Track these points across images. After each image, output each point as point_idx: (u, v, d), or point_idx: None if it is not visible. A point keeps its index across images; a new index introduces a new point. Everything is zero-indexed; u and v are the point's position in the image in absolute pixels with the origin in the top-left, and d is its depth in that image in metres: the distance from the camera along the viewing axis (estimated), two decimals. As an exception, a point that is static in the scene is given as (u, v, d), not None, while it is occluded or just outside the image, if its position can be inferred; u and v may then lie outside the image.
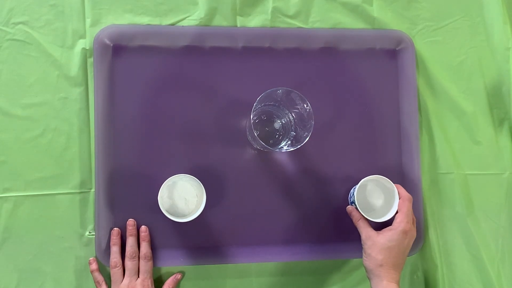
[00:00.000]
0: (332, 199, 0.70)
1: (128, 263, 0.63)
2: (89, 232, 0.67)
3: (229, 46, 0.70)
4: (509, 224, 0.74)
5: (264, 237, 0.69)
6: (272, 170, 0.70)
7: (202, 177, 0.62)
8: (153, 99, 0.68)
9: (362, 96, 0.72)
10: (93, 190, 0.67)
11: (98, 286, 0.64)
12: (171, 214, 0.61)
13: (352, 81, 0.72)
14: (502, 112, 0.75)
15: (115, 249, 0.64)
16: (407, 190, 0.64)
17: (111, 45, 0.68)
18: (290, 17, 0.72)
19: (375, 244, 0.60)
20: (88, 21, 0.69)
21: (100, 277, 0.64)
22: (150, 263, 0.64)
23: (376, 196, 0.67)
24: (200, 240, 0.67)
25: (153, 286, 0.64)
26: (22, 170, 0.66)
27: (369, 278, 0.61)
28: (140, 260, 0.64)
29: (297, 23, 0.72)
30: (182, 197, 0.64)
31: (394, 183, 0.64)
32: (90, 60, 0.68)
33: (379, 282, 0.59)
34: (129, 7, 0.70)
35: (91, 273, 0.65)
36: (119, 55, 0.68)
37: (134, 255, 0.63)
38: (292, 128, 0.68)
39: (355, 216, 0.64)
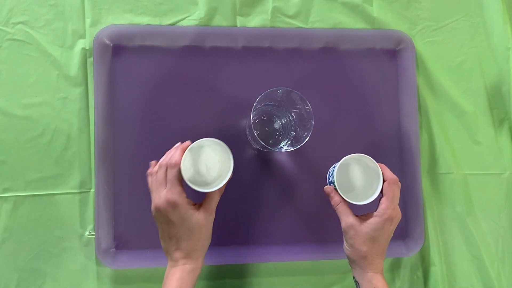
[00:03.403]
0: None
1: (156, 174, 0.56)
2: (89, 232, 0.67)
3: (229, 46, 0.70)
4: (509, 224, 0.74)
5: (264, 237, 0.69)
6: (272, 170, 0.70)
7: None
8: (153, 99, 0.68)
9: (362, 96, 0.72)
10: (93, 190, 0.67)
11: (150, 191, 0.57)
12: (192, 183, 0.54)
13: (352, 81, 0.72)
14: (502, 112, 0.75)
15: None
16: (407, 190, 0.64)
17: (111, 45, 0.68)
18: (290, 17, 0.72)
19: (358, 235, 0.55)
20: (88, 21, 0.69)
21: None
22: (174, 170, 0.53)
23: (357, 176, 0.61)
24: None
25: (182, 194, 0.54)
26: (22, 170, 0.66)
27: (351, 266, 0.59)
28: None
29: (297, 23, 0.72)
30: (203, 164, 0.57)
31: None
32: (90, 60, 0.68)
33: (363, 274, 0.56)
34: (129, 7, 0.70)
35: (147, 176, 0.59)
36: (119, 55, 0.68)
37: (162, 164, 0.55)
38: (292, 128, 0.68)
39: (334, 199, 0.59)
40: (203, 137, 0.55)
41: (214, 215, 0.56)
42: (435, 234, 0.72)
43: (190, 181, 0.54)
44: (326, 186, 0.61)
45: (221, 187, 0.55)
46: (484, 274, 0.71)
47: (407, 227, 0.72)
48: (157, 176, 0.55)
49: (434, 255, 0.71)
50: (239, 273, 0.69)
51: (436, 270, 0.71)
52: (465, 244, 0.72)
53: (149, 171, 0.59)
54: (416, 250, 0.71)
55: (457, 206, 0.72)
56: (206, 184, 0.56)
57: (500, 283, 0.71)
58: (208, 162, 0.57)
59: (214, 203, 0.56)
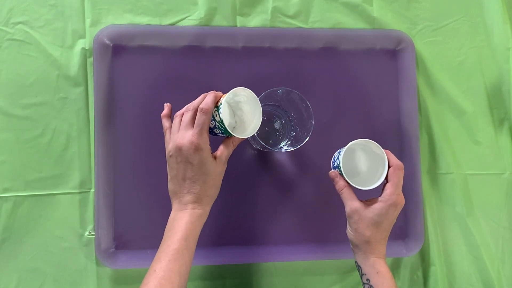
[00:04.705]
0: (332, 199, 0.70)
1: (183, 116, 0.56)
2: (89, 232, 0.67)
3: (229, 46, 0.70)
4: (509, 224, 0.74)
5: (264, 237, 0.69)
6: (272, 170, 0.70)
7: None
8: (153, 99, 0.68)
9: (362, 96, 0.72)
10: (92, 190, 0.67)
11: (164, 132, 0.59)
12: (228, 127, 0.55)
13: (352, 81, 0.72)
14: (502, 112, 0.75)
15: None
16: (407, 190, 0.64)
17: (111, 45, 0.68)
18: (290, 17, 0.72)
19: (362, 219, 0.56)
20: (88, 21, 0.69)
21: (167, 124, 0.59)
22: (204, 116, 0.54)
23: (362, 161, 0.61)
24: (200, 240, 0.67)
25: (207, 142, 0.55)
26: (22, 170, 0.66)
27: (353, 251, 0.59)
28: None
29: (297, 23, 0.72)
30: (238, 110, 0.60)
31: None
32: (90, 60, 0.68)
33: (366, 258, 0.56)
34: (129, 7, 0.70)
35: (161, 118, 0.60)
36: (119, 55, 0.68)
37: (190, 107, 0.56)
38: (292, 128, 0.68)
39: (339, 183, 0.59)
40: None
41: (226, 166, 0.57)
42: (435, 234, 0.72)
43: (228, 126, 0.55)
44: (330, 171, 0.61)
45: (234, 143, 0.57)
46: (484, 274, 0.71)
47: (407, 227, 0.72)
48: (183, 118, 0.56)
49: (434, 255, 0.71)
50: (239, 273, 0.69)
51: (436, 270, 0.71)
52: (465, 244, 0.72)
53: (163, 113, 0.60)
54: (416, 250, 0.71)
55: (457, 206, 0.72)
56: (233, 129, 0.59)
57: (500, 283, 0.71)
58: (240, 111, 0.59)
59: (228, 154, 0.57)
